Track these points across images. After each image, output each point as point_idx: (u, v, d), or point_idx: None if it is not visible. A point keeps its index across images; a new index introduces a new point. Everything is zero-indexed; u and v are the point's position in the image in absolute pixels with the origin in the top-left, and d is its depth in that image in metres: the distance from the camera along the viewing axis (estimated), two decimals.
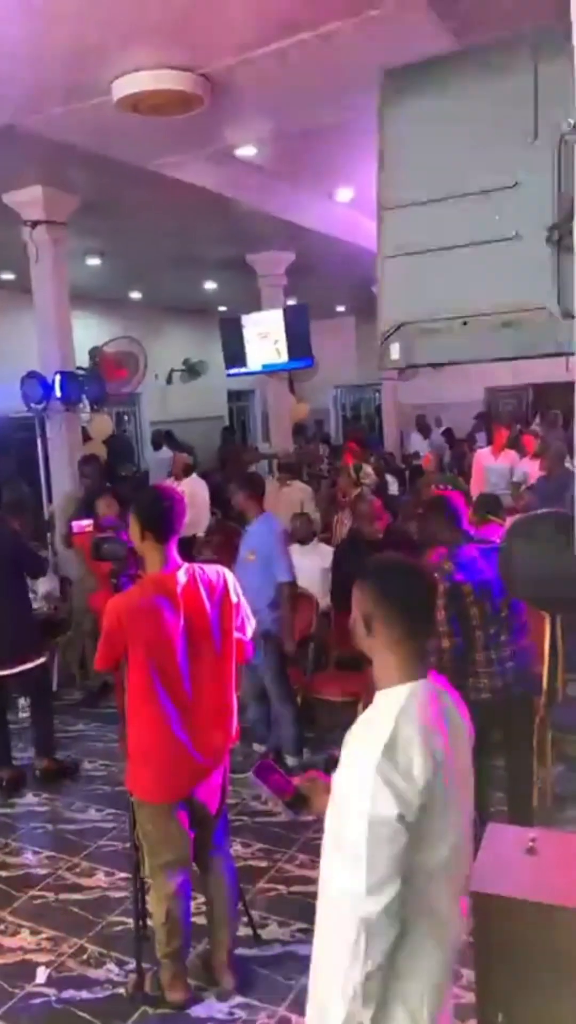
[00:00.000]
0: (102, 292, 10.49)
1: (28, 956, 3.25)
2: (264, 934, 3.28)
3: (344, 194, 7.88)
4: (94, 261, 8.82)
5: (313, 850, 3.74)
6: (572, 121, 1.66)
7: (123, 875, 3.63)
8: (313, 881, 3.51)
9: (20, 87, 4.44)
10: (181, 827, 2.83)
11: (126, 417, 12.93)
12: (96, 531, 5.13)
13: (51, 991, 3.05)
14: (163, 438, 11.39)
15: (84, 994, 3.03)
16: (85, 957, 3.23)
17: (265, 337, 8.75)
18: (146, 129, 4.93)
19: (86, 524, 5.63)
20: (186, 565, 2.80)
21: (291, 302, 9.89)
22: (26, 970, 3.16)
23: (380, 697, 1.69)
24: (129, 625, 2.66)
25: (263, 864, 3.78)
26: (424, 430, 13.19)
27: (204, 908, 3.07)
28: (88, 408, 7.05)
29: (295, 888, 3.59)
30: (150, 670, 2.68)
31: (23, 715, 5.39)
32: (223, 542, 7.02)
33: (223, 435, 13.94)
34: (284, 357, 8.72)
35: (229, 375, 9.58)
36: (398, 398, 12.90)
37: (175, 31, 3.91)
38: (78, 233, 6.91)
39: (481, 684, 3.39)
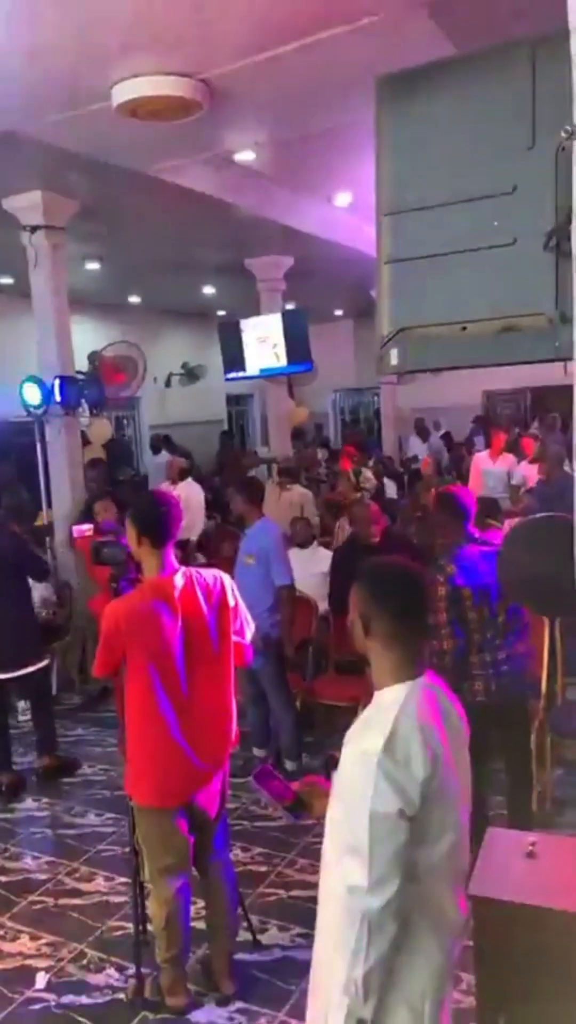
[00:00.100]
0: (101, 296, 10.51)
1: (28, 961, 3.25)
2: (264, 939, 3.28)
3: (342, 199, 7.90)
4: (93, 265, 8.83)
5: (313, 854, 3.74)
6: (570, 127, 1.66)
7: (123, 880, 3.62)
8: (313, 886, 3.51)
9: (20, 93, 4.45)
10: (181, 831, 2.83)
11: (125, 421, 12.94)
12: (96, 535, 5.13)
13: (51, 996, 3.05)
14: (162, 442, 11.40)
15: (84, 999, 3.02)
16: (85, 962, 3.23)
17: (264, 341, 8.76)
18: (145, 134, 4.94)
19: (86, 528, 5.64)
20: (183, 569, 2.80)
21: (290, 306, 9.91)
22: (26, 975, 3.16)
23: (379, 696, 1.72)
24: (127, 630, 2.66)
25: (263, 869, 3.78)
26: (423, 434, 13.21)
27: (204, 913, 3.07)
28: (87, 412, 7.04)
29: (295, 892, 3.59)
30: (149, 674, 2.68)
31: (22, 718, 5.40)
32: (218, 547, 7.03)
33: (221, 439, 13.95)
34: (283, 361, 8.73)
35: (228, 379, 9.59)
36: (397, 402, 12.91)
37: (174, 37, 3.93)
38: (77, 238, 6.93)
39: (476, 687, 3.40)
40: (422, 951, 1.62)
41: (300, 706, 4.87)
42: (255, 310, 9.28)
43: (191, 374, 13.22)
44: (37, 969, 3.19)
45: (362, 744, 1.62)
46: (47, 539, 6.55)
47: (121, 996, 3.01)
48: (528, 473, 7.57)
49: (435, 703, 1.70)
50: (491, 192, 1.86)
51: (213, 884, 3.00)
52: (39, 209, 6.17)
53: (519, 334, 1.85)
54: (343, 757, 1.67)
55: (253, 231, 7.88)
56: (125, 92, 4.35)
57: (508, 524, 5.35)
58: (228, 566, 4.20)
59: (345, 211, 8.17)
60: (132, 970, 3.03)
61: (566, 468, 6.63)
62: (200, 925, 3.08)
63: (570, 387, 1.65)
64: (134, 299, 11.65)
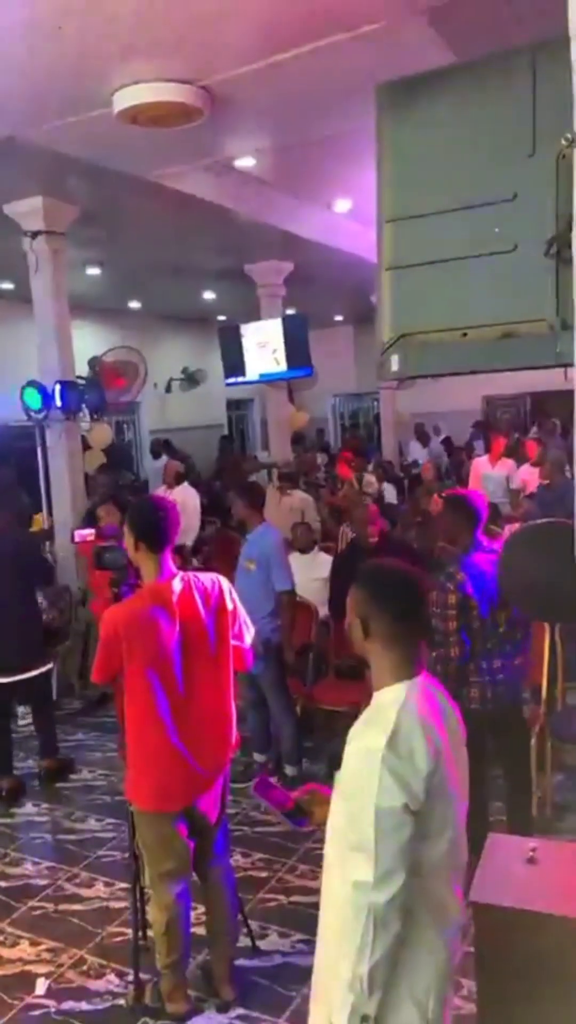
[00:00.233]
0: (102, 301, 10.53)
1: (28, 967, 3.24)
2: (264, 945, 3.27)
3: (342, 205, 7.93)
4: (94, 271, 8.86)
5: (313, 860, 3.74)
6: (571, 135, 1.67)
7: (123, 885, 3.61)
8: (314, 891, 3.51)
9: (21, 100, 4.47)
10: (181, 837, 2.82)
11: (125, 426, 12.95)
12: (98, 540, 5.13)
13: (51, 1002, 3.04)
14: (162, 447, 11.41)
15: (84, 1005, 3.02)
16: (85, 968, 3.22)
17: (264, 346, 8.78)
18: (146, 140, 4.96)
19: (88, 533, 5.64)
20: (181, 573, 2.80)
21: (290, 311, 9.93)
22: (26, 981, 3.15)
23: (379, 696, 1.74)
24: (126, 635, 2.66)
25: (263, 874, 3.77)
26: (423, 438, 13.22)
27: (204, 918, 3.06)
28: (88, 417, 7.05)
29: (295, 898, 3.58)
30: (148, 679, 2.68)
31: (21, 723, 5.39)
32: (216, 552, 7.03)
33: (221, 444, 13.97)
34: (283, 366, 8.74)
35: (228, 384, 9.60)
36: (397, 406, 12.93)
37: (175, 44, 3.94)
38: (78, 243, 6.94)
39: (472, 694, 3.40)
40: (425, 946, 1.64)
41: (300, 711, 4.86)
42: (255, 315, 9.30)
43: (191, 379, 13.24)
44: (37, 975, 3.18)
45: (364, 742, 1.65)
46: (46, 543, 6.55)
47: (121, 1002, 3.00)
48: (529, 477, 7.58)
49: (434, 701, 1.73)
50: (492, 199, 1.88)
51: (213, 889, 3.00)
52: (40, 214, 6.19)
53: (520, 340, 1.86)
54: (346, 756, 1.69)
55: (253, 237, 7.90)
56: (126, 98, 4.37)
57: (508, 529, 5.37)
58: (226, 570, 4.20)
59: (345, 217, 8.20)
60: (132, 976, 3.02)
61: (567, 473, 6.64)
62: (200, 931, 3.07)
63: (570, 392, 1.66)
64: (134, 304, 11.68)
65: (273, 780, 2.14)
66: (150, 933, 3.00)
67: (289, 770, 4.64)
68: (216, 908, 3.00)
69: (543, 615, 3.21)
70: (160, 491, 7.65)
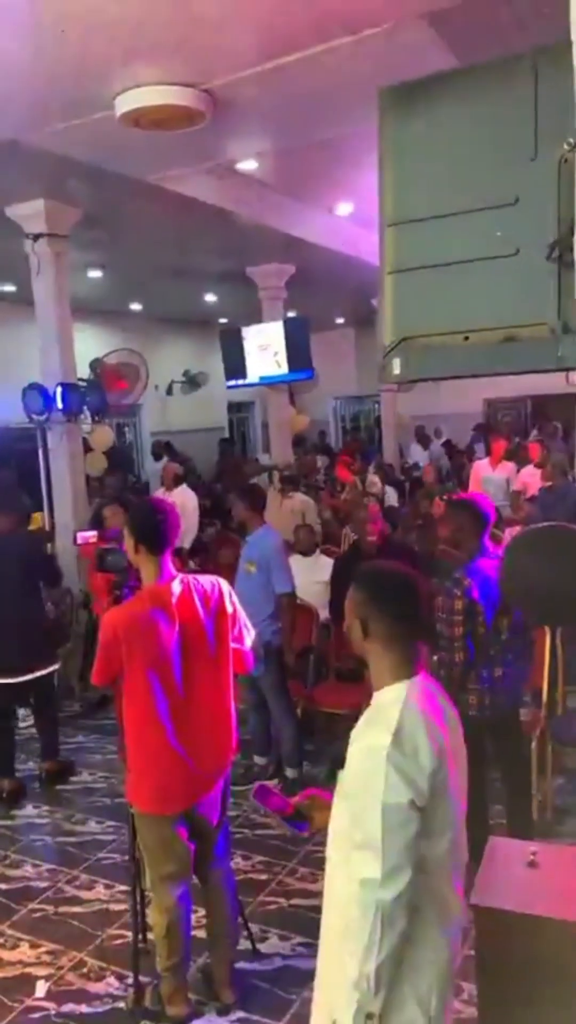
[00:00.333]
0: (103, 304, 10.54)
1: (28, 969, 3.24)
2: (264, 948, 3.27)
3: (344, 208, 7.94)
4: (95, 273, 8.87)
5: (314, 863, 3.74)
6: (573, 139, 1.68)
7: (123, 888, 3.61)
8: (314, 894, 3.52)
9: (23, 103, 4.48)
10: (181, 839, 2.82)
11: (126, 428, 12.96)
12: (100, 542, 5.14)
13: (51, 1005, 3.03)
14: (163, 449, 11.42)
15: (84, 1008, 3.01)
16: (85, 971, 3.22)
17: (265, 349, 8.78)
18: (148, 143, 4.97)
19: (90, 535, 5.65)
20: (180, 576, 2.81)
21: (291, 314, 9.94)
22: (26, 984, 3.15)
23: (380, 695, 1.76)
24: (126, 638, 2.66)
25: (263, 877, 3.77)
26: (423, 441, 13.23)
27: (204, 921, 3.06)
28: (89, 419, 7.06)
29: (295, 901, 3.58)
30: (147, 682, 2.68)
31: (22, 725, 5.39)
32: (216, 554, 7.02)
33: (221, 446, 13.97)
34: (284, 369, 8.74)
35: (229, 387, 9.61)
36: (397, 409, 12.94)
37: (177, 48, 3.95)
38: (80, 246, 6.95)
39: (471, 700, 3.40)
40: (429, 944, 1.65)
41: (301, 714, 4.86)
42: (257, 318, 9.30)
43: (192, 381, 13.26)
44: (37, 977, 3.18)
45: (368, 740, 1.66)
46: (47, 544, 6.55)
47: (121, 1005, 3.00)
48: (530, 480, 7.58)
49: (435, 701, 1.76)
50: (494, 203, 1.88)
51: (214, 892, 2.99)
52: (42, 217, 6.20)
53: (521, 344, 1.86)
54: (349, 756, 1.70)
55: (255, 239, 7.91)
56: (128, 102, 4.38)
57: (509, 532, 5.37)
58: (225, 573, 4.21)
59: (347, 220, 8.21)
60: (132, 979, 3.02)
61: (568, 476, 6.65)
62: (201, 934, 3.07)
63: (571, 395, 1.67)
64: (136, 307, 11.69)
65: (272, 784, 2.15)
66: (150, 936, 2.99)
67: (290, 773, 4.63)
68: (216, 911, 3.00)
69: (544, 618, 3.21)
70: (159, 493, 7.65)
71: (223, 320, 12.70)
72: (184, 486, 7.79)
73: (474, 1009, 2.34)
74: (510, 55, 1.93)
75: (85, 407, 6.71)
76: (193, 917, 2.97)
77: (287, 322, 8.92)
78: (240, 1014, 2.93)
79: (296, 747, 4.65)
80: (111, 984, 3.13)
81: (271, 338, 8.73)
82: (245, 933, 3.21)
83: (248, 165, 6.26)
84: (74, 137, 4.92)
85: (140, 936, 3.07)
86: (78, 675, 6.33)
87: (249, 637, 2.98)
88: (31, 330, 6.71)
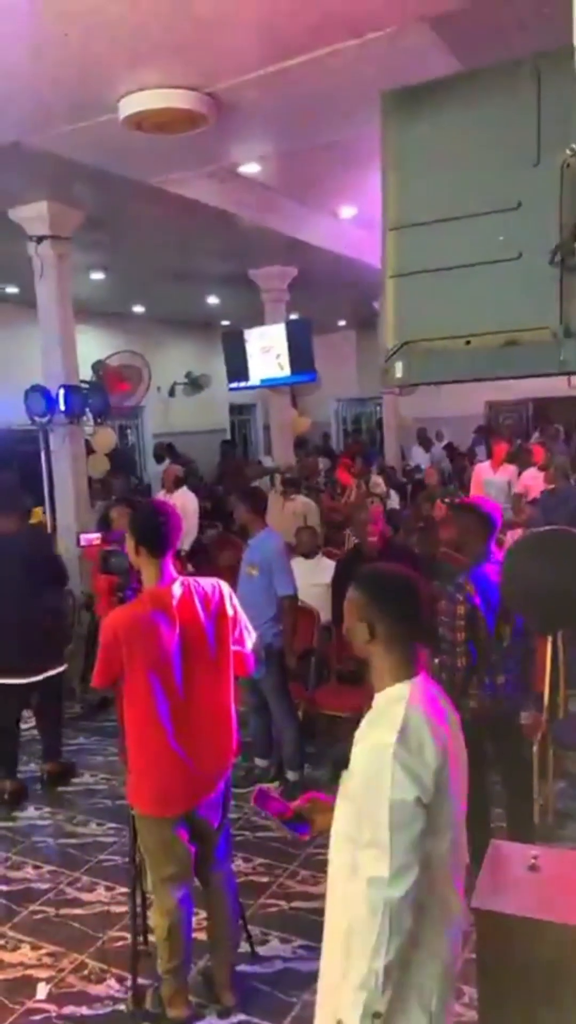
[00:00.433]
0: (106, 306, 10.55)
1: (29, 971, 3.24)
2: (265, 950, 3.27)
3: (346, 211, 7.95)
4: (98, 275, 8.88)
5: (315, 866, 3.74)
6: (575, 144, 1.68)
7: (124, 890, 3.61)
8: (315, 897, 3.52)
9: (27, 106, 4.49)
10: (182, 841, 2.82)
11: (129, 430, 12.98)
12: (104, 544, 5.14)
13: (52, 1007, 3.04)
14: (165, 451, 11.43)
15: (84, 1010, 3.02)
16: (86, 973, 3.22)
17: (268, 351, 8.79)
18: (151, 146, 4.97)
19: (94, 537, 5.65)
20: (181, 578, 2.81)
21: (293, 316, 9.95)
22: (27, 985, 3.15)
23: (382, 695, 1.77)
24: (126, 640, 2.67)
25: (264, 879, 3.77)
26: (425, 444, 13.23)
27: (205, 923, 3.06)
28: (91, 421, 7.06)
29: (296, 904, 3.58)
30: (148, 684, 2.68)
31: (24, 726, 5.39)
32: (215, 556, 7.03)
33: (222, 448, 13.97)
34: (287, 371, 8.74)
35: (231, 389, 9.62)
36: (399, 411, 12.95)
37: (181, 51, 3.96)
38: (82, 248, 6.97)
39: (471, 705, 3.39)
40: (432, 944, 1.66)
41: (302, 716, 4.86)
42: (259, 320, 9.32)
43: (195, 384, 13.27)
44: (38, 979, 3.18)
45: (374, 739, 1.67)
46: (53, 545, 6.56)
47: (122, 1007, 3.00)
48: (532, 483, 7.57)
49: (436, 701, 1.78)
50: (496, 207, 1.89)
51: (215, 895, 3.00)
52: (45, 219, 6.21)
53: (523, 348, 1.87)
54: (354, 756, 1.71)
55: (257, 242, 7.92)
56: (132, 105, 4.39)
57: (511, 535, 5.36)
58: (224, 575, 4.20)
59: (349, 223, 8.22)
60: (131, 981, 3.02)
61: (571, 480, 6.65)
62: (201, 936, 3.07)
63: (573, 398, 1.67)
64: (138, 309, 11.71)
65: (273, 786, 2.15)
66: (151, 938, 2.99)
67: (291, 775, 4.63)
68: (218, 913, 3.00)
69: (545, 622, 3.20)
70: (159, 495, 7.66)
71: (225, 322, 12.72)
72: (185, 488, 7.80)
73: (475, 1013, 2.34)
74: (513, 59, 1.93)
75: (87, 409, 6.72)
76: (194, 919, 2.97)
77: (289, 324, 8.92)
78: (241, 1017, 2.93)
79: (297, 749, 4.65)
80: (112, 986, 3.13)
81: (273, 340, 8.73)
82: (245, 936, 3.21)
83: (251, 168, 6.27)
84: (77, 140, 4.94)
85: (141, 938, 3.07)
86: (79, 677, 6.33)
87: (250, 639, 2.98)
88: (34, 332, 6.73)
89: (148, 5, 3.48)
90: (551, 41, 1.87)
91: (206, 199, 6.49)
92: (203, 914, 3.06)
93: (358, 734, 1.76)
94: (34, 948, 3.38)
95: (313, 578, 5.41)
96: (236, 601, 2.94)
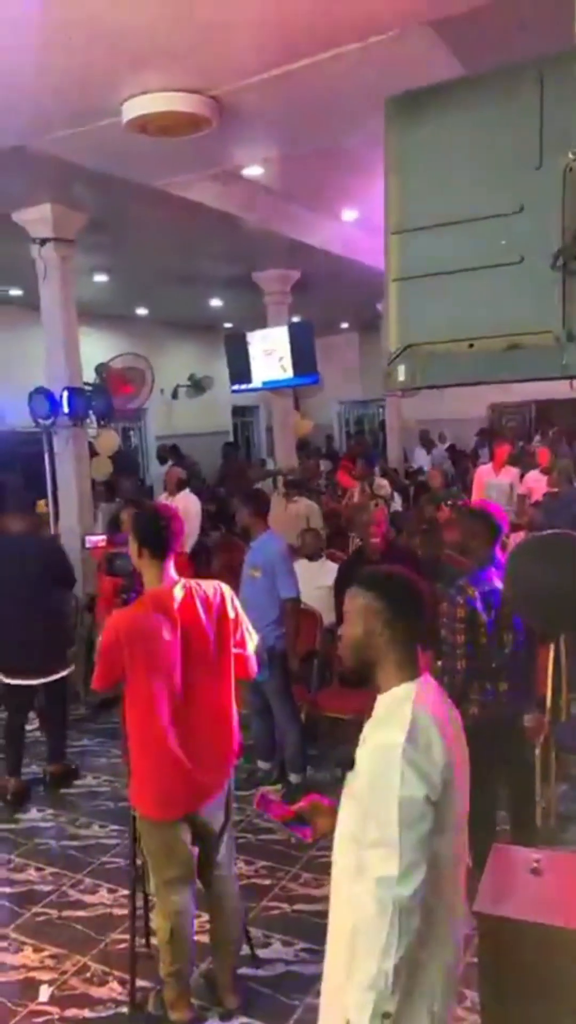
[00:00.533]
0: (109, 308, 10.57)
1: (31, 974, 3.25)
2: (268, 953, 3.27)
3: (349, 214, 7.95)
4: (101, 278, 8.90)
5: (317, 868, 3.74)
6: None
7: (126, 892, 3.59)
8: (317, 900, 3.52)
9: (31, 109, 4.51)
10: (184, 844, 2.83)
11: (131, 432, 12.99)
12: (110, 546, 5.16)
13: (54, 1010, 3.04)
14: (169, 452, 11.43)
15: (87, 1013, 3.02)
16: (88, 975, 3.22)
17: (270, 354, 8.80)
18: (155, 149, 4.99)
19: (99, 539, 5.66)
20: (183, 581, 2.81)
21: (296, 319, 9.96)
22: (29, 988, 3.16)
23: (388, 695, 1.78)
24: (128, 642, 2.67)
25: (267, 882, 3.77)
26: (427, 446, 13.22)
27: (208, 926, 3.06)
28: (95, 423, 7.08)
29: (299, 906, 3.57)
30: (149, 687, 2.69)
31: (29, 728, 5.40)
32: (218, 559, 7.03)
33: (224, 450, 13.97)
34: (289, 373, 8.76)
35: (234, 391, 9.63)
36: (402, 414, 12.95)
37: (184, 54, 3.97)
38: (86, 250, 6.98)
39: (472, 711, 3.39)
40: (437, 945, 1.66)
41: (305, 718, 4.86)
42: (262, 323, 9.33)
43: (198, 386, 13.28)
44: (41, 982, 3.18)
45: (381, 739, 1.68)
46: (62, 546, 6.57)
47: (124, 1010, 3.00)
48: (535, 485, 7.57)
49: (441, 700, 1.79)
50: (499, 211, 1.89)
51: (217, 897, 3.00)
52: (49, 222, 6.23)
53: (526, 352, 1.87)
54: (362, 756, 1.72)
55: (260, 245, 7.93)
56: (135, 108, 4.40)
57: (514, 538, 5.36)
58: (223, 577, 4.20)
59: (352, 225, 8.23)
60: (135, 983, 3.02)
61: (573, 483, 6.64)
62: (204, 938, 3.07)
63: (575, 401, 1.68)
64: (141, 311, 11.72)
65: (274, 789, 2.16)
66: (154, 941, 2.99)
67: (293, 777, 4.63)
68: (220, 916, 3.00)
69: (548, 625, 3.20)
70: (162, 498, 7.66)
71: (228, 325, 12.73)
72: (187, 491, 7.80)
73: (476, 1017, 2.34)
74: (516, 63, 1.93)
75: (91, 411, 6.73)
76: (196, 922, 2.97)
77: (292, 327, 8.93)
78: (243, 1020, 2.93)
79: (300, 752, 4.65)
80: (114, 989, 3.13)
81: (276, 343, 8.75)
82: (246, 939, 3.21)
83: (254, 171, 6.28)
84: (81, 143, 4.95)
85: (144, 941, 3.07)
86: (82, 679, 6.33)
87: (252, 642, 2.98)
88: (37, 334, 6.74)
89: (151, 9, 3.49)
90: (554, 45, 1.88)
91: (209, 202, 6.50)
92: (205, 917, 3.06)
93: (365, 733, 1.77)
94: (36, 950, 3.39)
95: (317, 580, 5.41)
96: (238, 603, 2.94)
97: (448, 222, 1.95)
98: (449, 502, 6.83)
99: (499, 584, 3.33)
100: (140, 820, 2.85)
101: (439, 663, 3.45)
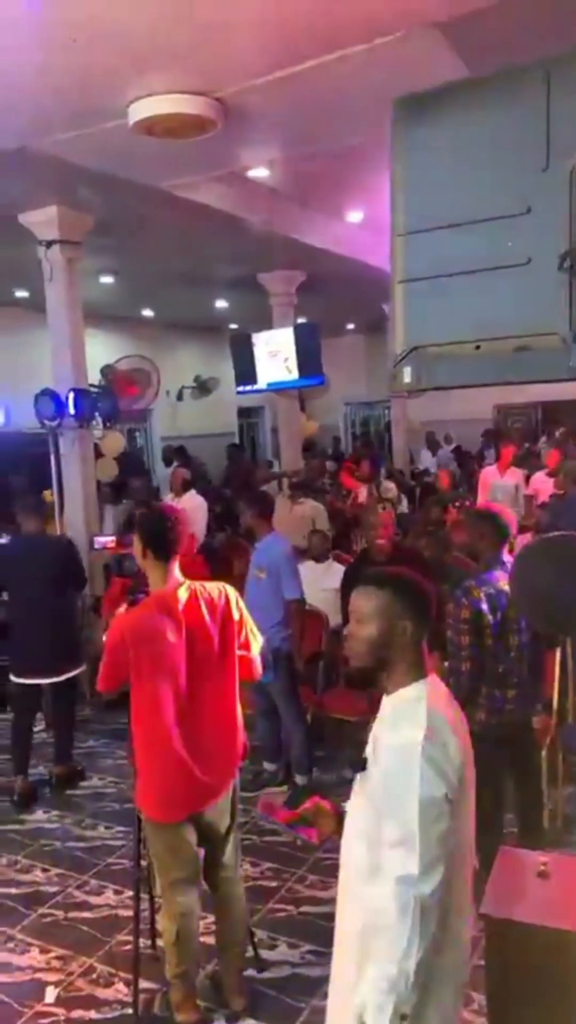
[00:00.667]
0: (115, 310, 10.59)
1: (37, 975, 3.25)
2: (274, 955, 3.27)
3: (355, 215, 7.95)
4: (107, 279, 8.91)
5: (323, 870, 3.73)
6: None
7: (132, 894, 3.62)
8: (323, 902, 3.52)
9: (36, 111, 4.52)
10: (189, 845, 2.83)
11: (137, 433, 13.01)
12: (120, 547, 5.18)
13: (60, 1011, 3.04)
14: (174, 454, 11.43)
15: (93, 1014, 3.02)
16: (94, 976, 3.22)
17: (276, 355, 8.79)
18: (160, 151, 4.99)
19: (108, 540, 5.68)
20: (187, 582, 2.81)
21: (301, 320, 9.96)
22: (35, 989, 3.16)
23: (399, 695, 1.77)
24: (132, 644, 2.67)
25: (273, 884, 3.77)
26: (433, 447, 13.20)
27: (214, 928, 3.06)
28: (101, 425, 7.09)
29: (305, 908, 3.57)
30: (153, 688, 2.69)
31: (35, 730, 5.41)
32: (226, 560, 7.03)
33: (228, 452, 13.96)
34: (295, 375, 8.74)
35: (239, 392, 9.63)
36: (408, 415, 12.93)
37: (189, 56, 3.98)
38: (92, 252, 6.99)
39: (479, 716, 3.38)
40: (447, 945, 1.66)
41: (311, 720, 4.86)
42: (267, 324, 9.33)
43: (203, 387, 13.29)
44: (47, 983, 3.19)
45: (398, 739, 1.69)
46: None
47: (130, 1011, 3.00)
48: (542, 486, 7.55)
49: (450, 700, 1.81)
50: (505, 213, 1.88)
51: (224, 899, 3.00)
52: (55, 224, 6.24)
53: (532, 354, 1.86)
54: (377, 757, 1.72)
55: (266, 246, 7.93)
56: (141, 110, 4.40)
57: (520, 540, 5.34)
58: (230, 579, 4.20)
59: (358, 227, 8.23)
60: (142, 985, 3.02)
61: None
62: (210, 940, 3.07)
63: None
64: (147, 313, 11.74)
65: (279, 791, 2.15)
66: (160, 942, 2.99)
67: (299, 779, 4.63)
68: (226, 918, 3.00)
69: (555, 627, 3.19)
70: (168, 499, 7.66)
71: (234, 326, 12.73)
72: (193, 491, 7.80)
73: (483, 1020, 2.33)
74: (522, 65, 1.93)
75: (96, 413, 6.74)
76: (202, 924, 2.97)
77: (298, 328, 8.92)
78: (249, 1022, 2.93)
79: (306, 753, 4.65)
80: (120, 990, 3.13)
81: (281, 344, 8.74)
82: (250, 940, 3.21)
83: (259, 172, 6.28)
84: (87, 145, 4.96)
85: (150, 942, 3.06)
86: (88, 679, 6.34)
87: (256, 644, 2.98)
88: (43, 336, 6.75)
89: (155, 11, 3.50)
90: (560, 46, 1.87)
91: (215, 203, 6.51)
92: (211, 918, 3.06)
93: (379, 732, 1.77)
94: (43, 951, 3.39)
95: (324, 582, 5.41)
96: (243, 605, 2.94)
97: (454, 223, 1.95)
98: (456, 503, 6.81)
99: (505, 586, 3.32)
100: (145, 822, 2.86)
101: (446, 664, 3.44)
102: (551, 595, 2.17)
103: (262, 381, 9.01)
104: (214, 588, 2.86)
